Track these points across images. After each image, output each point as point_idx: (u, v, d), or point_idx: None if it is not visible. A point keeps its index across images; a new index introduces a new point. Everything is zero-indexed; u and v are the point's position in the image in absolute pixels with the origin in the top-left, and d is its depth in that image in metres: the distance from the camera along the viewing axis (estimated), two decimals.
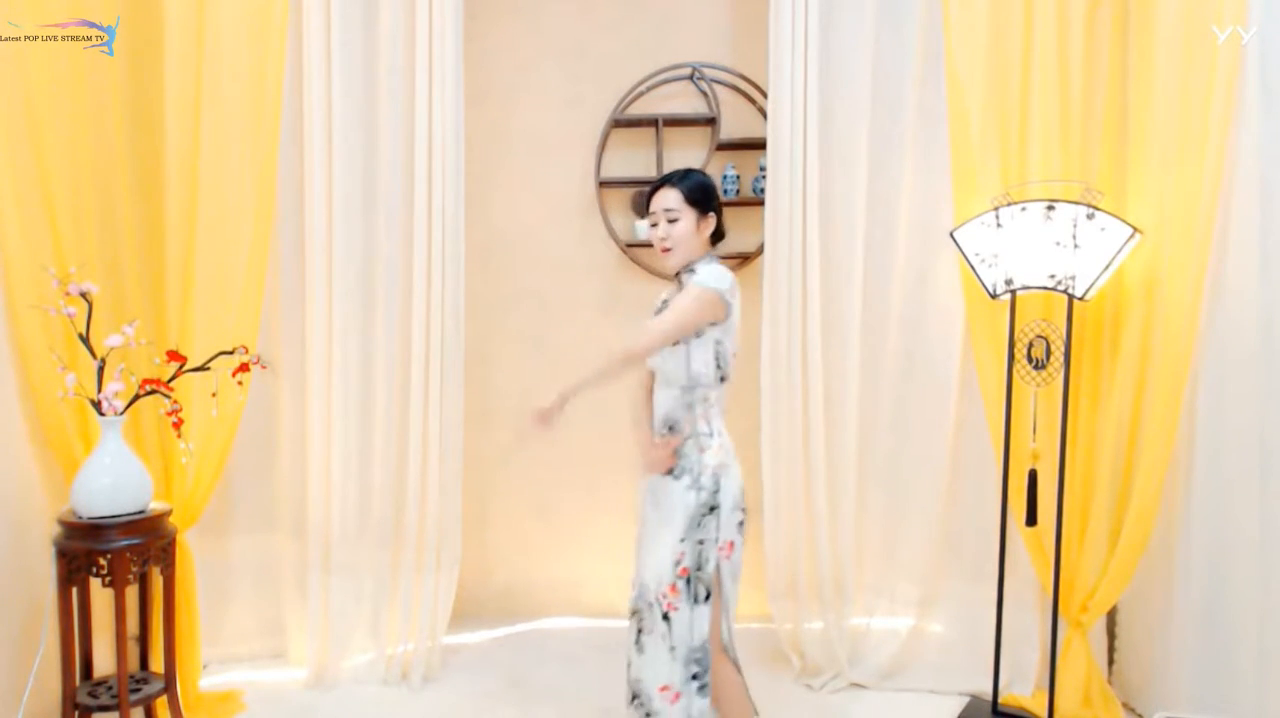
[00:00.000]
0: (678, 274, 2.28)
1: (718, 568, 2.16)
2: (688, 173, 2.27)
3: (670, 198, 2.22)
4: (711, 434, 2.21)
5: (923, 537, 3.06)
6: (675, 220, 2.21)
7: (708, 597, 2.15)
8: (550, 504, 3.82)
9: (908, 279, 3.05)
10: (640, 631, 2.21)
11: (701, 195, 2.23)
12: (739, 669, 2.28)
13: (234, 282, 2.83)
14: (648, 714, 2.19)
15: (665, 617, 2.15)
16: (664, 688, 2.16)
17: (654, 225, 2.25)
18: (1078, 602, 2.80)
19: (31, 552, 2.58)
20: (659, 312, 2.27)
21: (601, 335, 3.76)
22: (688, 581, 2.15)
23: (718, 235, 2.31)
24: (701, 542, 2.15)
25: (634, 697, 2.24)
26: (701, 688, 2.17)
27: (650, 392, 2.33)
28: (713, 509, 2.15)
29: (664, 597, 2.16)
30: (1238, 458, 2.57)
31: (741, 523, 2.21)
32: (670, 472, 2.21)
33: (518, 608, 3.75)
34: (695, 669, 2.16)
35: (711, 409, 2.23)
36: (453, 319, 3.10)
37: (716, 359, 2.19)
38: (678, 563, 2.15)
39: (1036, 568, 2.87)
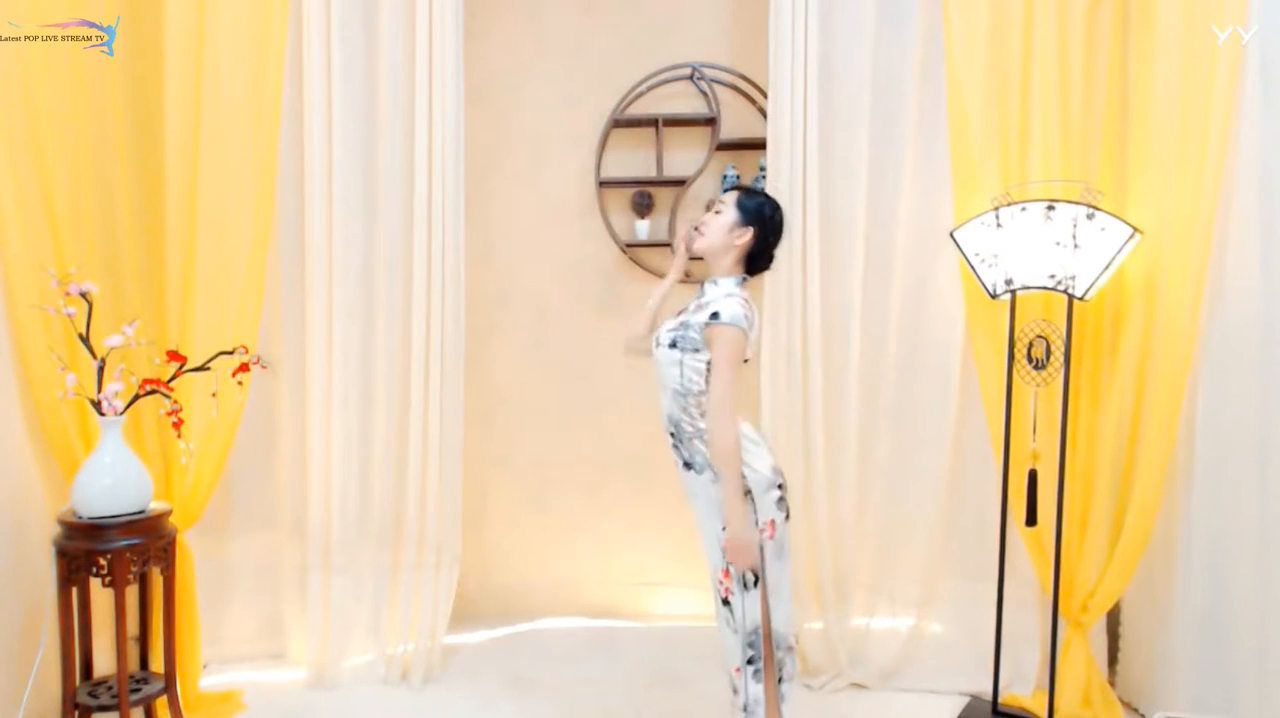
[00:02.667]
0: (701, 282, 2.34)
1: (762, 549, 2.20)
2: (755, 190, 2.35)
3: (726, 196, 2.34)
4: None
5: (923, 537, 3.06)
6: (719, 213, 2.31)
7: (757, 581, 2.20)
8: (550, 504, 3.82)
9: (908, 279, 3.04)
10: (718, 614, 2.30)
11: (751, 208, 2.29)
12: (780, 675, 2.29)
13: (234, 282, 2.83)
14: (734, 690, 2.27)
15: (725, 602, 2.22)
16: (737, 670, 2.24)
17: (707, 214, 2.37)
18: (1078, 602, 2.80)
19: (31, 552, 2.58)
20: (676, 327, 2.26)
21: (602, 335, 3.76)
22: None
23: (758, 263, 2.33)
24: None
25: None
26: (756, 673, 2.23)
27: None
28: (745, 494, 2.17)
29: (721, 582, 2.22)
30: (1238, 458, 2.57)
31: (781, 499, 2.24)
32: (691, 468, 2.24)
33: (517, 608, 3.75)
34: (750, 654, 2.22)
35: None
36: (453, 319, 3.09)
37: (709, 371, 2.20)
38: (725, 551, 2.19)
39: (1036, 568, 2.87)
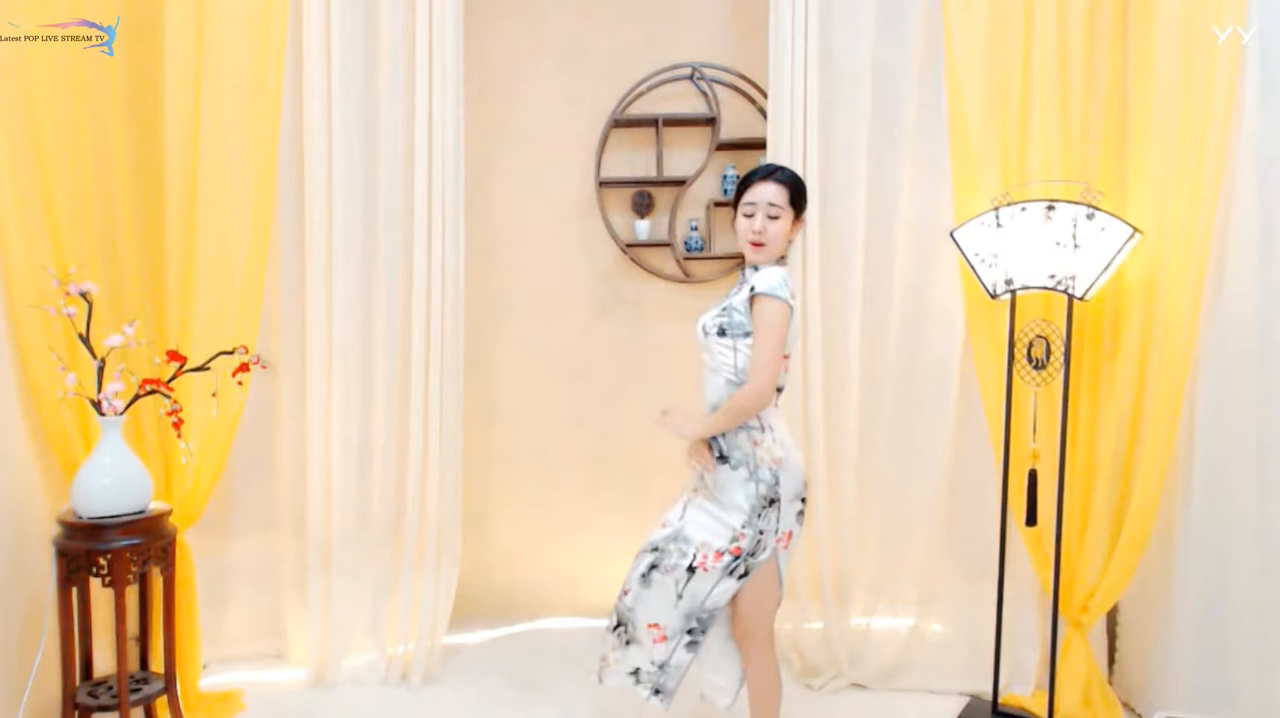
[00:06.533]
0: (741, 269, 2.31)
1: (775, 556, 2.21)
2: (790, 171, 2.27)
3: (776, 193, 2.21)
4: (763, 429, 2.22)
5: (923, 537, 3.06)
6: (776, 218, 2.21)
7: (745, 575, 2.19)
8: (551, 504, 3.82)
9: (908, 279, 3.04)
10: (654, 566, 2.24)
11: (801, 196, 2.25)
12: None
13: (234, 282, 2.83)
14: (628, 642, 2.27)
15: (691, 568, 2.19)
16: (652, 626, 2.23)
17: (749, 216, 2.23)
18: (1078, 602, 2.80)
19: (31, 552, 2.58)
20: (720, 313, 2.26)
21: (601, 335, 3.76)
22: (736, 557, 2.18)
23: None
24: (762, 532, 2.18)
25: (618, 624, 2.30)
26: (691, 645, 2.23)
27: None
28: (773, 502, 2.18)
29: (702, 555, 2.19)
30: (1238, 458, 2.57)
31: (801, 513, 2.25)
32: (726, 461, 2.22)
33: (518, 608, 3.75)
34: (693, 625, 2.22)
35: None
36: (453, 319, 3.10)
37: None
38: (734, 541, 2.18)
39: (1036, 568, 2.87)
